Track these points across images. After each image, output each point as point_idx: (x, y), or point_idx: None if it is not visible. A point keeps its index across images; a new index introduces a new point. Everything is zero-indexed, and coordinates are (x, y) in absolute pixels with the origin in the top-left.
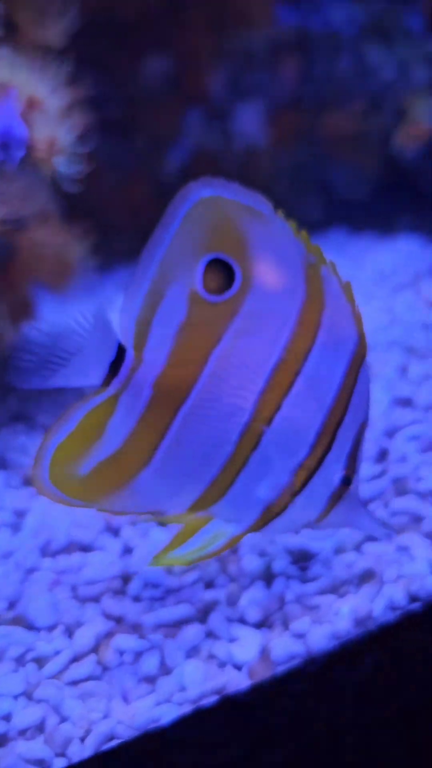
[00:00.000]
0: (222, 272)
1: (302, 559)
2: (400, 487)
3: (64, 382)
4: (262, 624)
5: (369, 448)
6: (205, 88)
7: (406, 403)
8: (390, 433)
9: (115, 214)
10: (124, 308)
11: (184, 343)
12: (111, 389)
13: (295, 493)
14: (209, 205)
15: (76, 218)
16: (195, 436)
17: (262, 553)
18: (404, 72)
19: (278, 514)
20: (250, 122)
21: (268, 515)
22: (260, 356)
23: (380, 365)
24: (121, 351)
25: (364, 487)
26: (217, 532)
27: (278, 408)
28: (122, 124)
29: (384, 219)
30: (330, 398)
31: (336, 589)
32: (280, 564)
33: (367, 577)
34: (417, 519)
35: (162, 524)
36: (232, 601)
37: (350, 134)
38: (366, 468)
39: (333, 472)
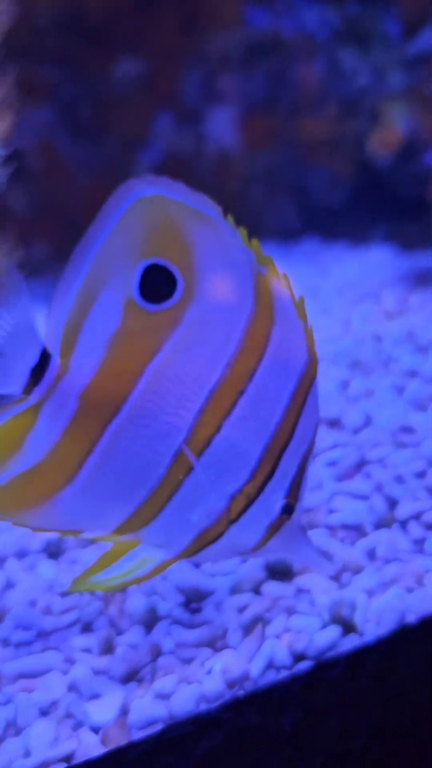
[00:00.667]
0: (162, 279)
1: (195, 599)
2: (310, 519)
3: None
4: (130, 678)
5: None
6: (177, 90)
7: (333, 423)
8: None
9: (84, 215)
10: (52, 311)
11: (117, 353)
12: (32, 398)
13: (232, 521)
14: (150, 205)
15: (43, 219)
16: (124, 454)
17: (150, 592)
18: (380, 77)
19: (212, 541)
20: (222, 125)
21: (202, 541)
22: (201, 372)
23: (320, 379)
24: (45, 357)
25: None
26: (145, 556)
27: (218, 430)
28: (93, 125)
29: (358, 227)
30: (275, 422)
31: (215, 641)
32: (168, 605)
33: (252, 627)
34: (324, 557)
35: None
36: (105, 649)
37: (324, 139)
38: None
39: (274, 500)
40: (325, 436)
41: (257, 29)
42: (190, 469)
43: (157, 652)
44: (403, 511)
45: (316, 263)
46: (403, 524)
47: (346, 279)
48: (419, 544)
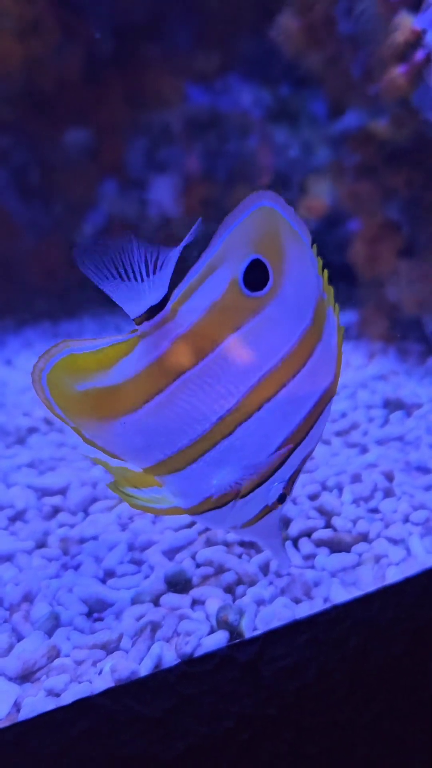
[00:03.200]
0: (260, 273)
1: (97, 609)
2: (211, 537)
3: (110, 292)
4: (25, 679)
5: None
6: (122, 159)
7: None
8: None
9: (31, 275)
10: (186, 278)
11: (211, 319)
12: (140, 329)
13: (241, 496)
14: (267, 214)
15: None
16: (183, 403)
17: (54, 603)
18: (308, 152)
19: (218, 507)
20: (164, 192)
21: (210, 504)
22: (261, 358)
23: None
24: (163, 302)
25: (176, 537)
26: (164, 496)
27: (258, 409)
28: (42, 189)
29: None
30: (297, 421)
31: (109, 644)
32: (70, 614)
33: (145, 632)
34: (220, 570)
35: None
36: (3, 652)
37: None
38: (181, 518)
39: (276, 487)
40: None
41: (196, 106)
42: (227, 435)
43: (54, 655)
44: (296, 529)
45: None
46: (295, 541)
47: None
48: (309, 559)
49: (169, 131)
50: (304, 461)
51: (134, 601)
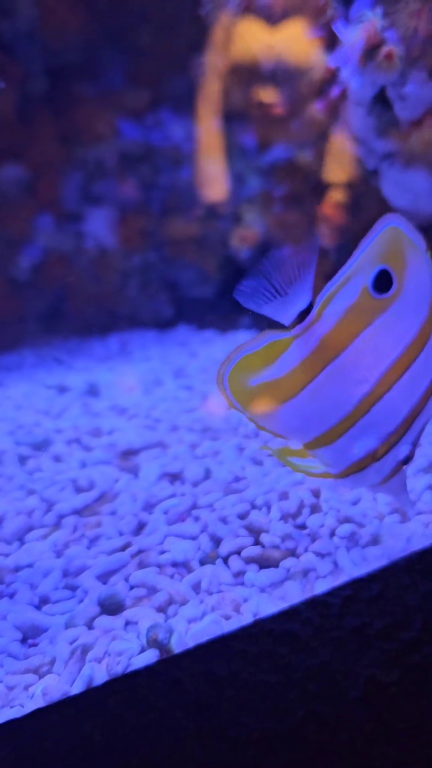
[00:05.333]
0: (386, 279)
1: (31, 635)
2: (144, 560)
3: (268, 312)
4: None
5: (129, 521)
6: (58, 193)
7: (176, 477)
8: (149, 507)
9: None
10: (327, 285)
11: (348, 319)
12: (294, 331)
13: (377, 459)
14: (394, 232)
15: None
16: (331, 389)
17: None
18: (240, 183)
19: (359, 471)
20: (99, 225)
21: (352, 469)
22: (390, 348)
23: (174, 443)
24: (310, 306)
25: (109, 561)
26: (317, 464)
27: (389, 389)
28: None
29: (226, 317)
30: (419, 395)
31: (41, 668)
32: (4, 641)
33: (78, 653)
34: (152, 591)
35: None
36: None
37: (192, 238)
38: (115, 542)
39: (403, 450)
40: (165, 488)
41: (129, 140)
42: (366, 413)
43: None
44: (225, 548)
45: (186, 347)
46: (226, 560)
47: (211, 359)
48: (240, 576)
49: (103, 165)
50: (424, 427)
51: (68, 626)
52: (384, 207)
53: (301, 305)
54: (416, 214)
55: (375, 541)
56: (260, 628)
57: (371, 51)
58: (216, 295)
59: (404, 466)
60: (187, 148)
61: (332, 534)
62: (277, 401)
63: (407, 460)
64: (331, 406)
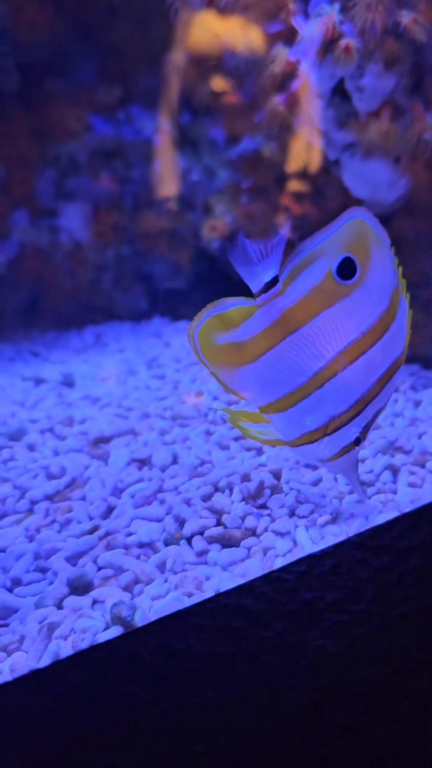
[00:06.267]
0: (350, 267)
1: (2, 616)
2: (111, 542)
3: (242, 272)
4: None
5: (99, 505)
6: (32, 189)
7: (144, 462)
8: (117, 492)
9: None
10: (290, 258)
11: (311, 297)
12: (258, 300)
13: (327, 434)
14: (359, 223)
15: None
16: (288, 359)
17: None
18: (210, 175)
19: (309, 443)
20: (74, 220)
21: (303, 440)
22: (348, 330)
23: (145, 431)
24: (276, 279)
25: (78, 543)
26: (270, 431)
27: (343, 369)
28: None
29: (199, 307)
30: (372, 381)
31: (9, 646)
32: None
33: (45, 631)
34: (119, 571)
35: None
36: None
37: (165, 231)
38: (84, 525)
39: (353, 431)
40: (133, 473)
41: (101, 136)
42: (320, 387)
43: None
44: (189, 528)
45: (161, 338)
46: (189, 540)
47: (185, 348)
48: (202, 555)
49: (76, 161)
50: (376, 414)
51: (38, 606)
52: (346, 197)
53: (268, 277)
54: (376, 204)
55: (334, 519)
56: (216, 603)
57: (329, 44)
58: (189, 286)
59: (355, 448)
60: (157, 142)
61: (292, 514)
62: (238, 362)
63: (357, 442)
64: (287, 374)
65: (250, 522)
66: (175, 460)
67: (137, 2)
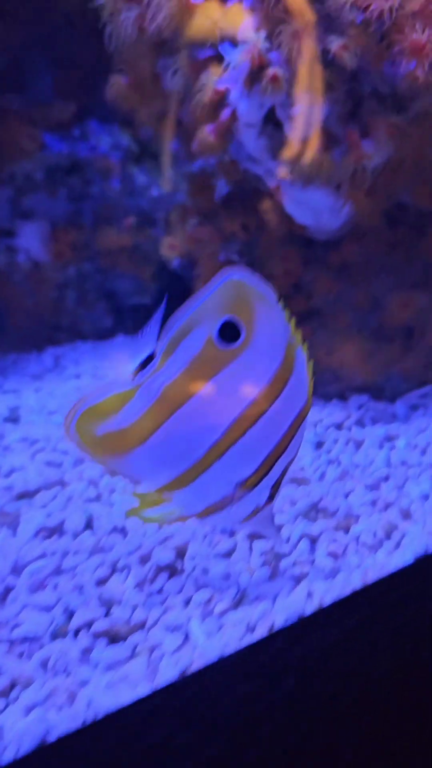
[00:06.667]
0: (232, 330)
1: None
2: None
3: (119, 359)
4: None
5: None
6: None
7: (54, 530)
8: (18, 569)
9: None
10: (164, 331)
11: (193, 368)
12: (136, 380)
13: (236, 500)
14: (235, 284)
15: None
16: (180, 435)
17: None
18: (171, 189)
19: (217, 511)
20: (32, 239)
21: (210, 510)
22: (241, 395)
23: (75, 480)
24: (151, 357)
25: None
26: (173, 509)
27: (243, 434)
28: None
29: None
30: (278, 438)
31: None
32: None
33: None
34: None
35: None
36: None
37: (125, 247)
38: None
39: (264, 492)
40: (38, 546)
41: (57, 153)
42: (218, 458)
43: None
44: (77, 620)
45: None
46: (76, 633)
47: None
48: (86, 653)
49: (32, 179)
50: (287, 467)
51: None
52: (289, 223)
53: (143, 355)
54: (320, 230)
55: (236, 604)
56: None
57: (256, 73)
58: (155, 301)
59: (270, 504)
60: (114, 157)
61: (188, 602)
62: (125, 448)
63: (270, 499)
64: (180, 451)
65: (139, 614)
66: (89, 524)
67: (92, 13)
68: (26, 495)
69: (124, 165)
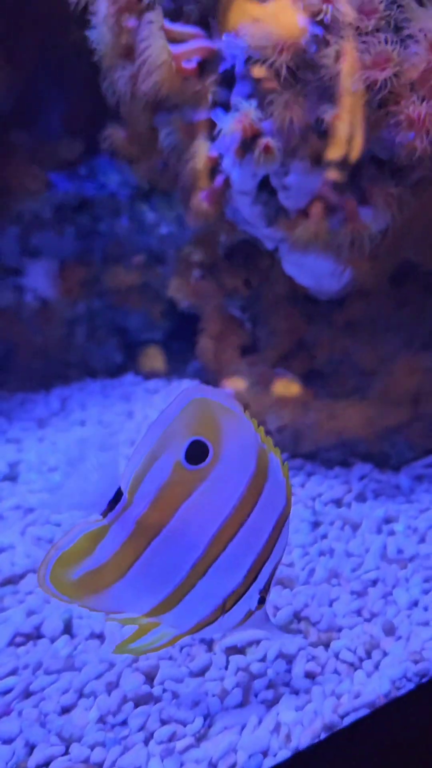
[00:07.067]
0: (200, 449)
1: None
2: None
3: (75, 507)
4: None
5: None
6: None
7: (28, 637)
8: None
9: None
10: (128, 464)
11: (164, 496)
12: (107, 519)
13: (225, 611)
14: (199, 403)
15: None
16: (160, 562)
17: None
18: (180, 226)
19: (209, 624)
20: (40, 277)
21: (201, 625)
22: (216, 511)
23: None
24: (119, 494)
25: None
26: (163, 632)
27: (224, 549)
28: None
29: (176, 362)
30: (261, 545)
31: None
32: None
33: None
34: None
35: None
36: None
37: (134, 285)
38: None
39: (254, 595)
40: (10, 658)
41: (65, 191)
42: (203, 575)
43: None
44: (35, 758)
45: (128, 403)
46: None
47: (148, 419)
48: None
49: (39, 218)
50: (275, 570)
51: None
52: (291, 280)
53: (109, 494)
54: (322, 292)
55: (200, 738)
56: None
57: (248, 143)
58: (165, 338)
59: (262, 607)
60: (123, 195)
61: (149, 738)
62: (105, 585)
63: (261, 602)
64: (162, 577)
65: (98, 754)
66: (68, 629)
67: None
68: (12, 581)
69: (133, 202)
